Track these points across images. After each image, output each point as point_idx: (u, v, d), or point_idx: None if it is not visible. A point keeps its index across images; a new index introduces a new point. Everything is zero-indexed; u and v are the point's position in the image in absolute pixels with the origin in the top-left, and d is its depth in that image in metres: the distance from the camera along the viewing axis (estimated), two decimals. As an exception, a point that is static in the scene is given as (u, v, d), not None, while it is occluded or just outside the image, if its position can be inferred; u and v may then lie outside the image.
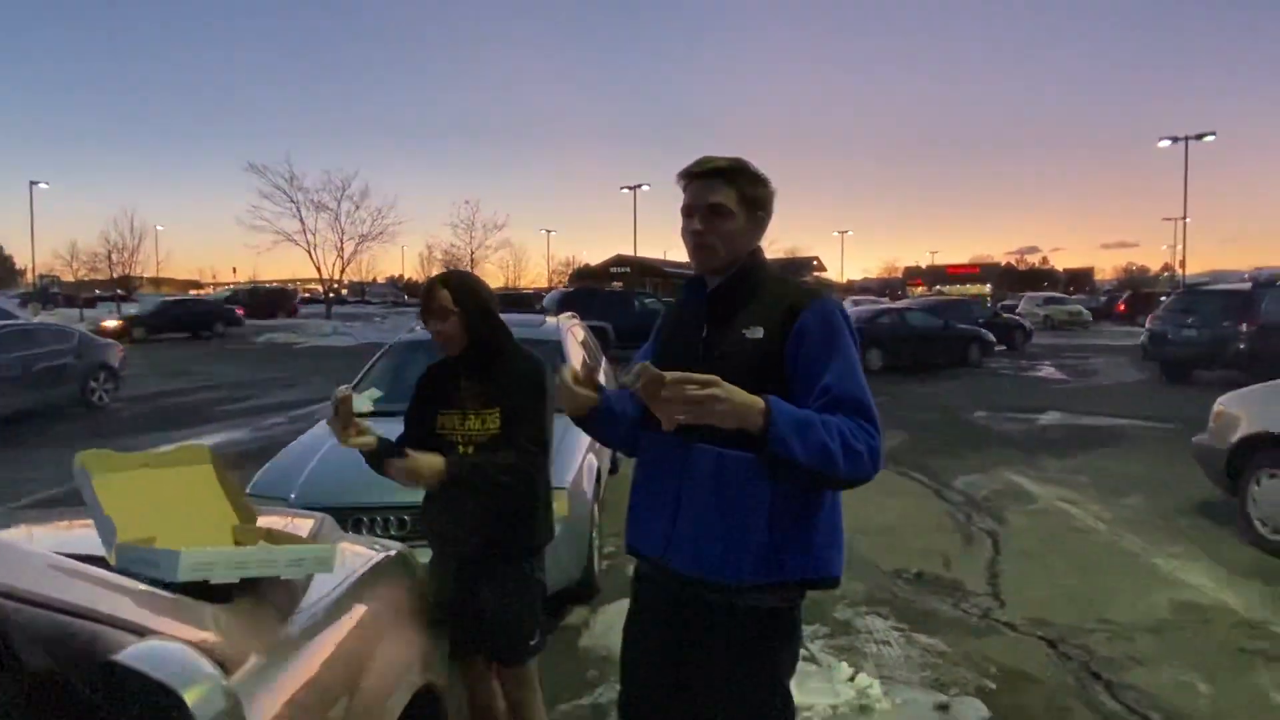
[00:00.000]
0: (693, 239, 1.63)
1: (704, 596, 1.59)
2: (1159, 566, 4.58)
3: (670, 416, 1.35)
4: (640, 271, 47.04)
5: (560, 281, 55.64)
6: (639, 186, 47.68)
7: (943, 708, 3.03)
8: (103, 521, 1.48)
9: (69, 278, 52.75)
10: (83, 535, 1.57)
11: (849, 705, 3.01)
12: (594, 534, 4.20)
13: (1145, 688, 3.17)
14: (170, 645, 0.91)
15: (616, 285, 36.94)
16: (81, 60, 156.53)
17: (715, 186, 1.61)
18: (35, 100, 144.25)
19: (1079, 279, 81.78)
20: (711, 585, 1.57)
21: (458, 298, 2.13)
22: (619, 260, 49.31)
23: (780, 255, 51.95)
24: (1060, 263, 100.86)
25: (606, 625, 3.71)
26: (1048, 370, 16.23)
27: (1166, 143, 36.48)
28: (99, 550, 1.44)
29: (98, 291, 48.47)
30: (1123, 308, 26.82)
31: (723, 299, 1.64)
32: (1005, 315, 23.49)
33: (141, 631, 1.02)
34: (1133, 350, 17.07)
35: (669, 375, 1.33)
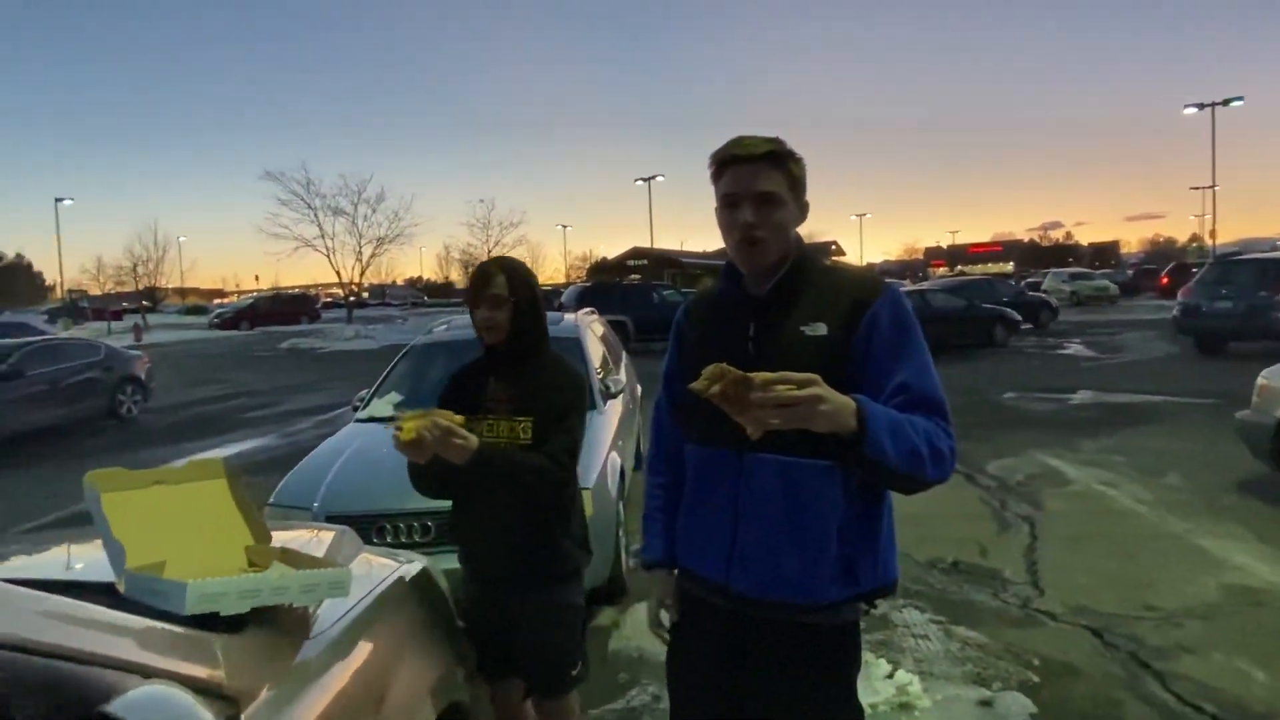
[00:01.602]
0: (742, 232, 1.45)
1: (771, 616, 1.47)
2: (1205, 548, 4.43)
3: (761, 422, 1.18)
4: (658, 263, 46.87)
5: (577, 277, 55.65)
6: (653, 178, 47.50)
7: (986, 704, 2.93)
8: (112, 545, 1.43)
9: (96, 291, 53.68)
10: (95, 559, 1.53)
11: (888, 703, 2.93)
12: (621, 533, 4.14)
13: (1197, 677, 3.05)
14: (167, 693, 0.86)
15: (634, 278, 36.84)
16: (101, 79, 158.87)
17: (763, 171, 1.44)
18: (58, 119, 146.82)
19: (1104, 253, 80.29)
20: (782, 605, 1.45)
21: (513, 285, 2.01)
22: (636, 253, 49.17)
23: (797, 241, 51.27)
24: (1084, 237, 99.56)
25: (636, 627, 3.65)
26: (1076, 348, 15.92)
27: (1192, 109, 35.59)
28: (109, 576, 1.39)
29: (124, 304, 49.28)
30: (1165, 280, 25.87)
31: (776, 295, 1.49)
32: (1030, 293, 23.10)
33: (146, 673, 0.96)
34: (1164, 325, 16.71)
35: (758, 376, 1.17)
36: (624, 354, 6.89)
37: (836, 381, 1.28)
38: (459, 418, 1.82)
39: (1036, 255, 77.56)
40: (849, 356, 1.41)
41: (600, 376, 5.02)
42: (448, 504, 2.13)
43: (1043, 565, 4.31)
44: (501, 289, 1.99)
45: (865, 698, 2.91)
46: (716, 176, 1.49)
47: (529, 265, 2.20)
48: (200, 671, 1.04)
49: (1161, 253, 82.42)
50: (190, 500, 1.63)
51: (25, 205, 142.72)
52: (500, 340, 2.03)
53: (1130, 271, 42.60)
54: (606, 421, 4.49)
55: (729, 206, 1.47)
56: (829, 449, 1.27)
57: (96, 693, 0.88)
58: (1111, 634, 3.45)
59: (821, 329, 1.42)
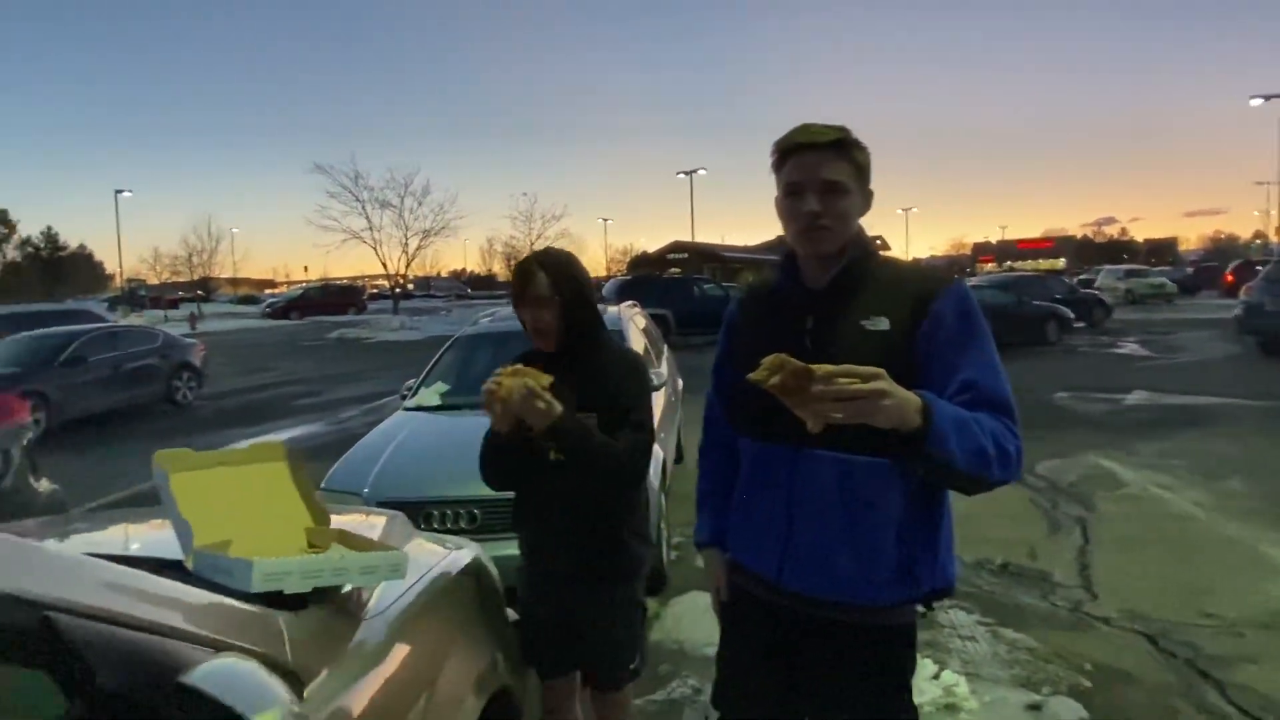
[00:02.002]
0: (806, 220, 1.42)
1: (825, 616, 1.45)
2: (1267, 555, 4.27)
3: (822, 416, 1.15)
4: (699, 257, 46.69)
5: (618, 270, 55.74)
6: (695, 171, 47.32)
7: (1035, 707, 2.88)
8: (180, 524, 1.48)
9: (153, 280, 55.43)
10: (161, 537, 1.58)
11: (934, 704, 2.88)
12: (662, 525, 4.15)
13: (1260, 688, 2.95)
14: (242, 666, 0.89)
15: (675, 272, 36.76)
16: (158, 75, 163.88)
17: (828, 160, 1.41)
18: (118, 114, 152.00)
19: (1161, 250, 77.77)
20: (837, 606, 1.43)
21: (556, 282, 1.86)
22: (677, 246, 49.03)
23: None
24: (1140, 233, 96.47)
25: (677, 618, 3.66)
26: (1131, 347, 15.45)
27: (1259, 100, 34.17)
28: (177, 553, 1.44)
29: (180, 293, 50.84)
30: (1231, 278, 24.81)
31: (836, 287, 1.45)
32: (1083, 290, 22.46)
33: (217, 646, 1.00)
34: (1225, 324, 16.10)
35: (820, 368, 1.14)
36: (665, 347, 6.89)
37: (898, 378, 1.23)
38: (547, 378, 1.71)
39: (1090, 251, 75.49)
40: (911, 352, 1.36)
41: (643, 369, 5.01)
42: (495, 493, 2.09)
43: (1095, 568, 4.20)
44: (544, 288, 1.86)
45: (910, 697, 2.90)
46: (779, 165, 1.46)
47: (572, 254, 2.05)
48: (268, 647, 1.08)
49: (1222, 250, 79.52)
50: (252, 482, 1.67)
51: (87, 197, 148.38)
52: (552, 346, 1.92)
53: (1189, 269, 41.10)
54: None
55: (792, 195, 1.44)
56: (890, 447, 1.23)
57: (174, 664, 0.91)
58: (1168, 640, 3.35)
59: (884, 323, 1.38)
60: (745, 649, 1.60)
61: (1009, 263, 69.00)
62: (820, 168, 1.41)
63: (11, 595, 0.82)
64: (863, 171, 1.45)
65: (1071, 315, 16.95)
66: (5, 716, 0.91)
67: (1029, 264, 63.21)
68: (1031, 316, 15.97)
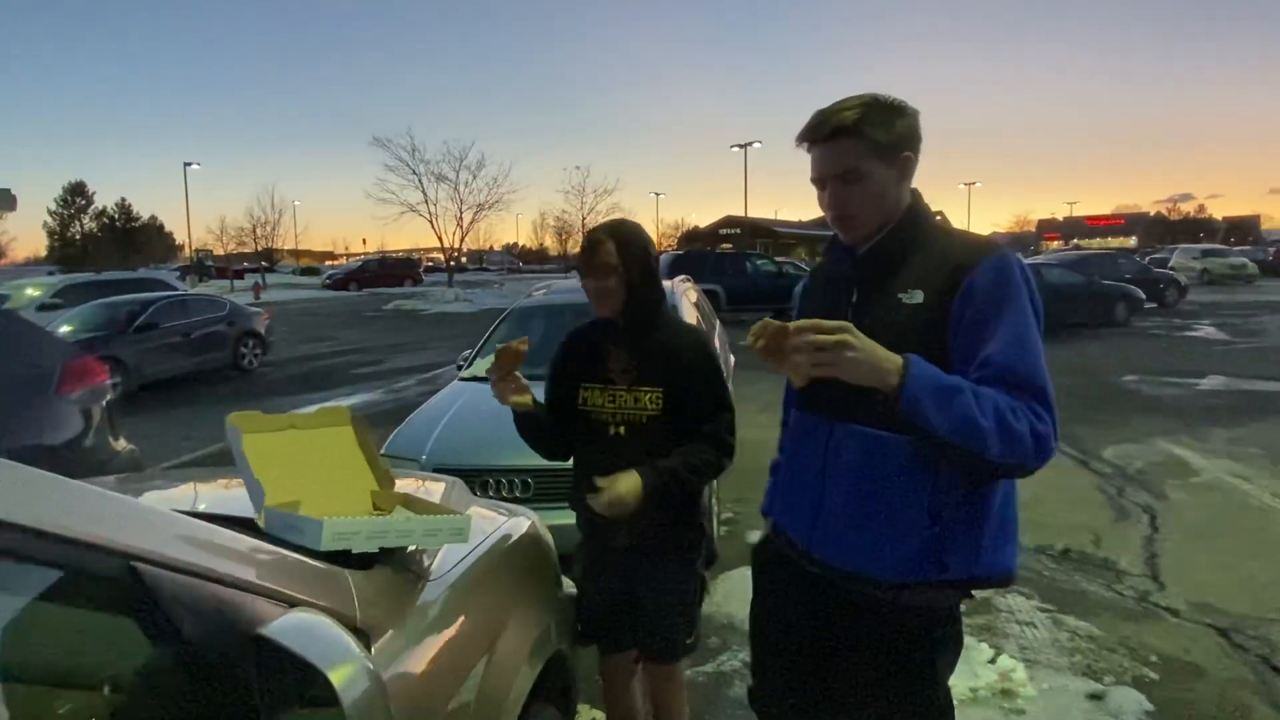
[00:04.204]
0: (830, 213, 1.44)
1: (852, 588, 1.45)
2: (1353, 551, 4.06)
3: (799, 370, 1.20)
4: (751, 232, 46.10)
5: (669, 245, 55.49)
6: (750, 144, 46.53)
7: (1096, 697, 2.80)
8: (252, 483, 1.52)
9: (219, 251, 57.27)
10: (232, 496, 1.63)
11: (990, 688, 2.83)
12: (713, 500, 4.14)
13: (1340, 688, 2.81)
14: (317, 621, 0.91)
15: (726, 247, 36.38)
16: (225, 53, 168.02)
17: (841, 148, 1.38)
18: (188, 89, 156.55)
19: (1241, 228, 73.88)
20: (861, 579, 1.43)
21: (623, 253, 1.90)
22: (729, 221, 48.54)
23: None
24: (1219, 210, 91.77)
25: (727, 592, 3.66)
26: (1207, 330, 14.76)
27: (1357, 69, 31.93)
28: (249, 511, 1.49)
29: (245, 264, 52.44)
30: None
31: (874, 260, 1.43)
32: (1156, 269, 21.52)
33: (292, 601, 1.02)
34: (1311, 307, 15.27)
35: (792, 324, 1.20)
36: (717, 323, 6.83)
37: (930, 353, 1.25)
38: (522, 343, 1.89)
39: (1164, 229, 72.19)
40: (944, 327, 1.32)
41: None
42: (548, 463, 2.14)
43: (1163, 558, 4.06)
44: (611, 257, 1.89)
45: (965, 681, 2.85)
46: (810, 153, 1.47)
47: (641, 228, 2.06)
48: (338, 604, 1.11)
49: (1310, 229, 75.06)
50: (320, 444, 1.71)
51: (158, 170, 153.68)
52: (615, 312, 1.95)
53: (1271, 249, 38.93)
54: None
55: (817, 188, 1.46)
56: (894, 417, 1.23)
57: (252, 617, 0.94)
58: (1240, 635, 3.22)
59: (919, 296, 1.35)
60: (779, 616, 1.62)
61: (1075, 240, 66.47)
62: (831, 160, 1.40)
63: (103, 545, 0.85)
64: (886, 145, 1.38)
65: (1142, 295, 16.29)
66: (97, 661, 0.96)
67: (1097, 242, 60.77)
68: (1101, 296, 15.39)
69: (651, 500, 1.83)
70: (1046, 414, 1.25)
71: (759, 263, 20.39)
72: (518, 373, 1.92)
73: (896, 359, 1.21)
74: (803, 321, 1.19)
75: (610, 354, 1.98)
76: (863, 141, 1.37)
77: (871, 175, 1.38)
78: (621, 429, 1.94)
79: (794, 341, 1.19)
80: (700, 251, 26.10)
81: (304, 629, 0.89)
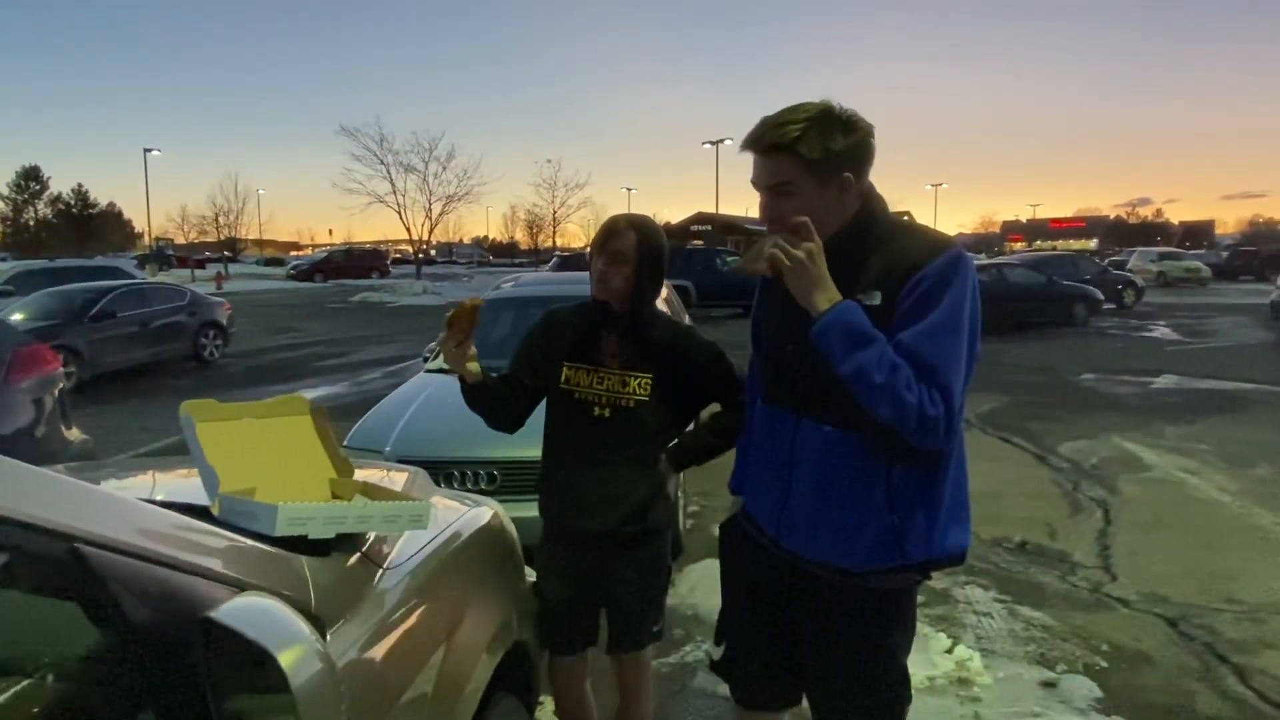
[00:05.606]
0: (764, 220, 1.45)
1: (816, 573, 1.51)
2: (1295, 544, 4.21)
3: (761, 256, 1.37)
4: (722, 229, 46.24)
5: (641, 240, 55.26)
6: (721, 141, 46.69)
7: (1049, 684, 2.87)
8: (206, 471, 1.49)
9: (180, 240, 55.92)
10: (187, 485, 1.60)
11: (947, 677, 2.89)
12: (679, 493, 4.16)
13: (1279, 673, 2.92)
14: (267, 603, 0.90)
15: (697, 243, 36.47)
16: (187, 35, 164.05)
17: (777, 162, 1.39)
18: (147, 73, 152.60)
19: (1196, 233, 75.82)
20: (826, 566, 1.49)
21: (641, 248, 1.90)
22: (700, 218, 48.63)
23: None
24: (1176, 215, 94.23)
25: (692, 585, 3.68)
26: (1162, 330, 15.18)
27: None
28: (203, 499, 1.46)
29: (207, 253, 51.35)
30: None
31: (833, 264, 1.39)
32: (1114, 271, 22.05)
33: (242, 585, 1.01)
34: (1258, 310, 15.77)
35: (799, 219, 1.35)
36: (687, 318, 6.85)
37: None
38: (476, 300, 1.84)
39: (1122, 233, 73.98)
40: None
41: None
42: (514, 454, 2.12)
43: (1116, 550, 4.17)
44: (629, 246, 1.89)
45: (923, 670, 2.90)
46: None
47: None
48: (292, 590, 1.09)
49: (1261, 234, 77.54)
50: (277, 433, 1.68)
51: (117, 156, 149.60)
52: (616, 298, 1.94)
53: (1224, 253, 40.10)
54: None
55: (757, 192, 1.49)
56: (871, 424, 1.33)
57: (200, 600, 0.93)
58: (1187, 624, 3.32)
59: (877, 298, 1.37)
60: (749, 595, 1.67)
61: (1038, 242, 67.82)
62: (764, 172, 1.43)
63: (43, 526, 0.83)
64: (821, 163, 1.37)
65: (1101, 296, 16.69)
66: (42, 644, 0.93)
67: (1059, 244, 62.04)
68: (1061, 296, 15.74)
69: (683, 466, 2.03)
70: (941, 402, 1.29)
71: (730, 259, 20.48)
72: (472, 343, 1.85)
73: (837, 296, 1.33)
74: (812, 246, 1.34)
75: (602, 336, 1.97)
76: (799, 161, 1.37)
77: (804, 192, 1.39)
78: (606, 411, 1.94)
79: (775, 239, 1.35)
80: (672, 247, 26.06)
81: (254, 611, 0.87)
